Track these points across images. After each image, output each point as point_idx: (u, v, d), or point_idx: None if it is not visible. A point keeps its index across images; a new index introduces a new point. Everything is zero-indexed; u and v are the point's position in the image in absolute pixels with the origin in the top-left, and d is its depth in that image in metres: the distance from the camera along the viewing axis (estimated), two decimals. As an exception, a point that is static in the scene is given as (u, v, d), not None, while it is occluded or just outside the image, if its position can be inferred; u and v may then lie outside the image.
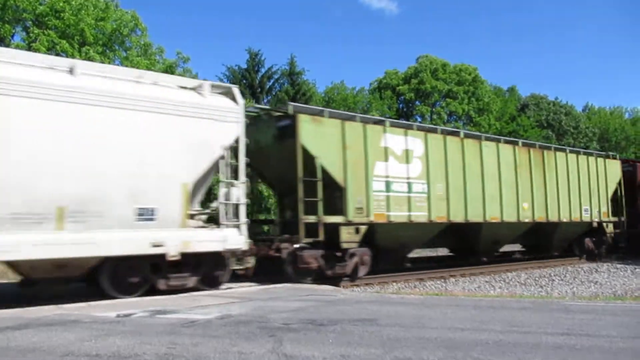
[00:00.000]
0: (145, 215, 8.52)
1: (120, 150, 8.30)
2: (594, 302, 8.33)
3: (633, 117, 56.52)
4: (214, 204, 9.57)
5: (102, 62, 20.82)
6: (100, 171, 8.11)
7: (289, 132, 10.81)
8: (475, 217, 13.55)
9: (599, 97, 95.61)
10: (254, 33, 76.23)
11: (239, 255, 9.90)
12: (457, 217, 13.18)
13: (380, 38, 79.22)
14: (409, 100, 42.31)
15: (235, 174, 9.40)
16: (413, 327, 5.62)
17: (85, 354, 4.42)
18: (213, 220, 9.41)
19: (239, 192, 9.40)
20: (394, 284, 12.01)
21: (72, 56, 20.02)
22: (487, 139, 14.85)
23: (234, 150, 9.45)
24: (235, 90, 9.70)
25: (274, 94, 32.60)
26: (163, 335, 5.19)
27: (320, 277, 10.86)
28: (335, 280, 10.98)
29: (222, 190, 9.35)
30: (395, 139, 12.14)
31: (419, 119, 40.46)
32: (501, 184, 14.28)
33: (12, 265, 8.08)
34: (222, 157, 9.27)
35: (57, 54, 20.47)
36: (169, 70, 23.89)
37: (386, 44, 78.32)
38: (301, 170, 10.53)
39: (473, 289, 11.72)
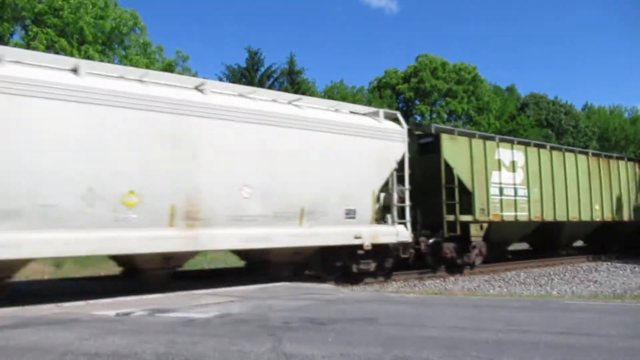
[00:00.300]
0: (350, 214, 10.95)
1: (335, 165, 10.70)
2: (593, 301, 8.33)
3: (632, 117, 56.54)
4: (376, 206, 11.62)
5: (102, 61, 20.82)
6: (325, 180, 10.52)
7: (429, 147, 13.32)
8: (561, 216, 16.14)
9: (599, 96, 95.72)
10: (253, 32, 76.25)
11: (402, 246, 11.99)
12: (548, 217, 15.70)
13: (380, 37, 79.28)
14: (408, 99, 42.32)
15: (401, 182, 11.72)
16: (413, 326, 5.62)
17: (84, 352, 4.41)
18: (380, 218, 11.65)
19: (405, 197, 11.73)
20: (394, 282, 12.03)
21: (72, 54, 20.01)
22: (567, 150, 17.41)
23: (400, 163, 11.74)
24: (399, 115, 12.24)
25: (273, 93, 32.55)
26: (162, 334, 5.18)
27: (450, 265, 13.47)
28: (460, 268, 13.61)
29: (394, 195, 11.65)
30: (504, 152, 14.72)
31: (419, 118, 40.45)
32: (579, 188, 16.86)
33: (250, 251, 10.20)
34: (395, 169, 11.61)
35: (56, 52, 20.45)
36: (168, 68, 23.90)
37: (386, 42, 78.39)
38: (444, 178, 13.04)
39: (472, 288, 11.73)
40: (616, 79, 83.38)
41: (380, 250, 11.36)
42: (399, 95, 42.25)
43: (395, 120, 12.02)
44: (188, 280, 11.05)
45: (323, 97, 37.69)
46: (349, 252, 11.04)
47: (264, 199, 9.71)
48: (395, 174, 11.63)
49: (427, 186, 12.75)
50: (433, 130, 13.73)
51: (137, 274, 9.28)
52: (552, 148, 16.56)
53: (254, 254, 10.30)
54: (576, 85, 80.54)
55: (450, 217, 12.97)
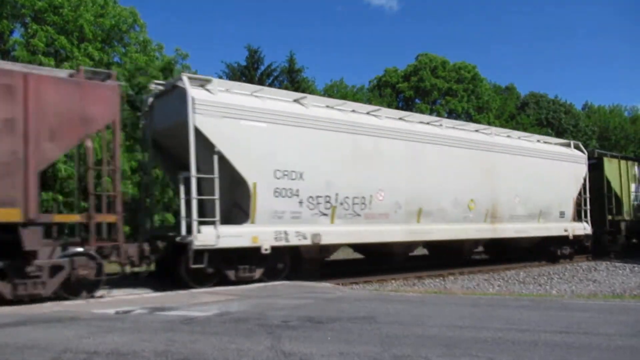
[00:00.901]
0: (562, 215, 16.49)
1: (555, 180, 16.04)
2: (592, 301, 8.34)
3: (632, 116, 56.47)
4: (574, 209, 16.90)
5: (101, 59, 20.76)
6: (552, 190, 15.93)
7: (591, 167, 17.85)
8: None
9: (598, 95, 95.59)
10: (253, 30, 76.16)
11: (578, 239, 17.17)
12: None
13: (380, 35, 79.17)
14: (408, 98, 42.24)
15: (584, 192, 17.10)
16: (412, 325, 5.62)
17: (83, 350, 4.42)
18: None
19: (587, 202, 17.09)
20: (393, 281, 12.03)
21: (71, 52, 19.98)
22: None
23: (584, 178, 17.17)
24: (581, 145, 17.91)
25: (273, 91, 32.48)
26: (161, 332, 5.19)
27: (604, 251, 18.23)
28: (609, 253, 18.28)
29: (581, 201, 16.93)
30: (636, 169, 20.44)
31: (418, 117, 40.34)
32: None
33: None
34: (582, 184, 17.00)
35: (56, 50, 20.41)
36: (168, 66, 23.85)
37: (386, 41, 78.28)
38: (606, 189, 18.42)
39: (472, 286, 11.73)
40: (616, 78, 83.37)
41: (570, 240, 16.62)
42: (399, 94, 42.21)
43: (578, 148, 17.72)
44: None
45: (322, 95, 37.61)
46: (554, 241, 16.35)
47: (524, 203, 15.07)
48: (581, 186, 16.94)
49: (589, 195, 17.47)
50: (596, 154, 19.21)
51: (459, 253, 14.66)
52: None
53: (506, 242, 15.25)
54: (576, 84, 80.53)
55: (609, 217, 18.33)
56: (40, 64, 17.40)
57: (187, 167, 9.40)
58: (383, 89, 41.41)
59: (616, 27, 78.67)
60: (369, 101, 38.26)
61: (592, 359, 4.23)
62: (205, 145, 9.44)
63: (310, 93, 32.79)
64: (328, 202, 10.87)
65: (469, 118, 41.35)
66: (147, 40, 23.61)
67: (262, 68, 32.91)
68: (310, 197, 10.59)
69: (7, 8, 20.91)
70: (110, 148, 8.86)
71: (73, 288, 8.02)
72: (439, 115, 40.80)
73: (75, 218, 8.89)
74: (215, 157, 9.48)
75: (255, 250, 9.84)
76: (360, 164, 11.41)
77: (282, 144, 10.29)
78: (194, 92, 9.41)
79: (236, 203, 10.03)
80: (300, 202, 10.46)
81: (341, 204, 11.07)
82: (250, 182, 9.82)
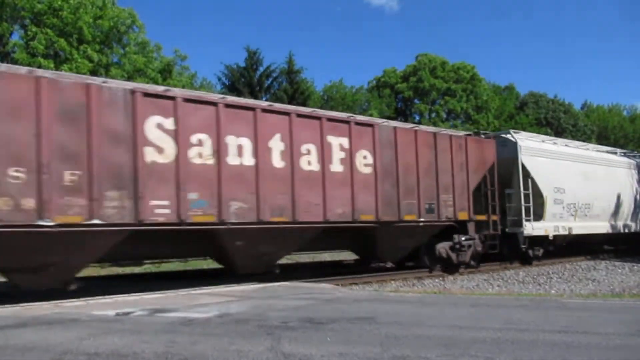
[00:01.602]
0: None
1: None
2: (591, 300, 8.35)
3: (631, 115, 56.51)
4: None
5: (100, 60, 20.75)
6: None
7: None
8: None
9: (597, 94, 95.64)
10: (252, 31, 76.15)
11: None
12: None
13: (380, 36, 79.15)
14: (407, 98, 42.25)
15: None
16: (411, 326, 5.63)
17: (83, 352, 4.43)
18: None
19: None
20: (393, 282, 12.03)
21: (70, 54, 19.97)
22: None
23: None
24: None
25: (272, 92, 32.50)
26: (162, 333, 5.20)
27: None
28: None
29: None
30: None
31: (417, 117, 40.42)
32: None
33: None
34: None
35: (55, 52, 20.42)
36: (167, 68, 23.78)
37: (386, 41, 78.28)
38: None
39: (471, 287, 11.74)
40: (615, 77, 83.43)
41: None
42: (398, 94, 42.22)
43: None
44: (188, 280, 11.07)
45: (322, 97, 37.61)
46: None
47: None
48: None
49: None
50: None
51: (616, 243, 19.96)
52: None
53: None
54: (575, 83, 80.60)
55: None
56: (40, 66, 17.41)
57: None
58: (382, 90, 41.43)
59: (616, 27, 78.77)
60: (367, 102, 38.27)
61: (592, 358, 4.24)
62: (523, 173, 15.10)
63: (309, 94, 32.89)
64: (574, 207, 16.72)
65: (468, 118, 41.36)
66: (145, 41, 23.61)
67: (262, 69, 32.91)
68: (568, 204, 16.43)
69: (6, 10, 20.90)
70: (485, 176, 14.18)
71: (471, 259, 13.55)
72: (437, 115, 41.03)
73: (483, 218, 13.83)
74: (530, 180, 15.17)
75: (542, 237, 15.38)
76: (587, 182, 17.25)
77: (554, 170, 16.09)
78: (520, 142, 15.28)
79: (529, 208, 15.15)
80: (563, 207, 16.28)
81: (579, 208, 16.99)
82: (544, 195, 15.59)
